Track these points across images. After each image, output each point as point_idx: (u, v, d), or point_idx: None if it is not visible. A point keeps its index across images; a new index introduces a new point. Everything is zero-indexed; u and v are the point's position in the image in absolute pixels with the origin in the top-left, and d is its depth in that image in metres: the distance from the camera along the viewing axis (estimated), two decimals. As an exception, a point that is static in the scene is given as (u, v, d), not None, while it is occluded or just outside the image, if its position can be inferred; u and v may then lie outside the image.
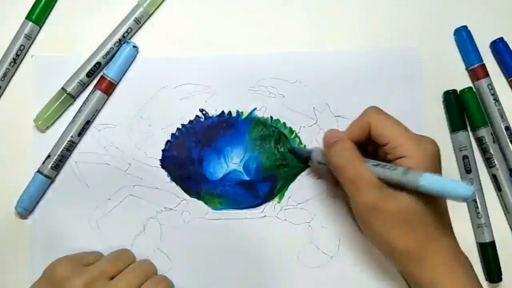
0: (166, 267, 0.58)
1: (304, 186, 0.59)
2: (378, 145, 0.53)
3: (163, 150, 0.59)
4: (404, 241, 0.50)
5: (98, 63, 0.59)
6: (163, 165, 0.59)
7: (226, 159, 0.59)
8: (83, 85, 0.59)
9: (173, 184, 0.59)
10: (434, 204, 0.50)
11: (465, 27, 0.60)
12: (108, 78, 0.58)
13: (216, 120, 0.59)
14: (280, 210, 0.59)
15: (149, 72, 0.60)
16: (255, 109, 0.59)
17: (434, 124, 0.60)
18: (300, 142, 0.59)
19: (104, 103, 0.59)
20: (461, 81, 0.60)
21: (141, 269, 0.54)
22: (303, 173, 0.59)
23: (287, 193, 0.59)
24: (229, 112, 0.60)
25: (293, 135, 0.59)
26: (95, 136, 0.59)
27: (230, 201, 0.59)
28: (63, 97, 0.59)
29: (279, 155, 0.59)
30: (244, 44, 0.61)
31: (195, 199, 0.59)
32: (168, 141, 0.59)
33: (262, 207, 0.59)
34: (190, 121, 0.59)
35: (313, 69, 0.60)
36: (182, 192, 0.59)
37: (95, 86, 0.59)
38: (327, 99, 0.59)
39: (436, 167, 0.51)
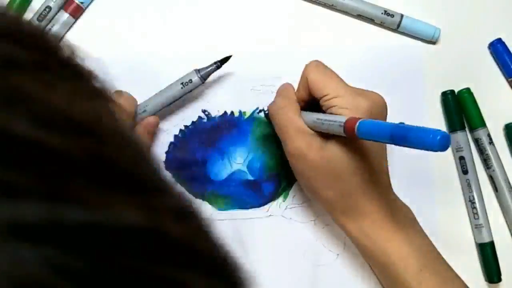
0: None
1: (308, 184, 0.59)
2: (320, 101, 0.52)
3: (166, 152, 0.59)
4: (328, 190, 0.51)
5: (48, 7, 0.59)
6: (167, 167, 0.59)
7: (230, 159, 0.59)
8: None
9: (178, 184, 0.59)
10: (363, 155, 0.50)
11: (499, 40, 0.60)
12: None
13: (219, 120, 0.59)
14: (285, 209, 0.59)
15: (152, 68, 0.59)
16: (257, 108, 0.59)
17: (433, 123, 0.60)
18: (304, 140, 0.59)
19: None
20: (462, 81, 0.60)
21: None
22: (307, 172, 0.59)
23: (291, 192, 0.59)
24: (232, 112, 0.59)
25: (297, 133, 0.59)
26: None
27: (235, 201, 0.59)
28: None
29: (283, 154, 0.59)
30: (246, 43, 0.60)
31: (200, 200, 0.59)
32: (171, 143, 0.59)
33: (267, 206, 0.59)
34: (193, 122, 0.59)
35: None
36: (187, 193, 0.59)
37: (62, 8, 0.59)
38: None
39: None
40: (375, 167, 0.51)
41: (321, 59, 0.58)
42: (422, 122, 0.58)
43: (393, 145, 0.44)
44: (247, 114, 0.59)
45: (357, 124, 0.44)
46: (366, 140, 0.48)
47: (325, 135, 0.50)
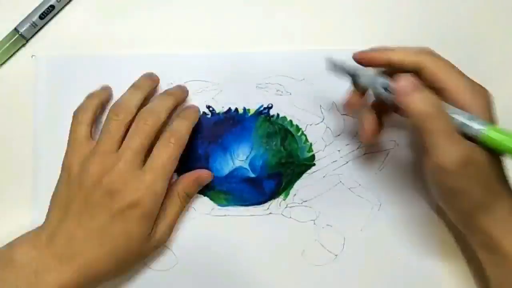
0: (172, 263, 0.57)
1: (309, 184, 0.59)
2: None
3: (169, 146, 0.59)
4: (483, 191, 0.48)
5: (52, 6, 0.59)
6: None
7: (232, 156, 0.59)
8: (35, 27, 0.59)
9: (179, 179, 0.59)
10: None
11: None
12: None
13: (223, 117, 0.60)
14: (286, 207, 0.59)
15: (156, 68, 0.60)
16: (261, 106, 0.60)
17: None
18: (306, 140, 0.59)
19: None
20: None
21: (144, 130, 0.53)
22: (308, 171, 0.59)
23: (292, 191, 0.59)
24: (236, 109, 0.60)
25: (300, 132, 0.60)
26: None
27: (235, 198, 0.59)
28: (15, 37, 0.59)
29: (285, 152, 0.59)
30: (252, 41, 0.61)
31: (201, 195, 0.59)
32: (175, 137, 0.59)
33: (267, 204, 0.59)
34: (197, 117, 0.60)
35: (321, 68, 0.60)
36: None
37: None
38: (334, 97, 0.60)
39: (493, 119, 0.50)
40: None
41: (323, 61, 0.59)
42: None
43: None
44: (252, 111, 0.60)
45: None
46: None
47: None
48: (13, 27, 0.59)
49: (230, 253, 0.58)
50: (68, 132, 0.56)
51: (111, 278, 0.54)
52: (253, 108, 0.60)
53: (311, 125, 0.60)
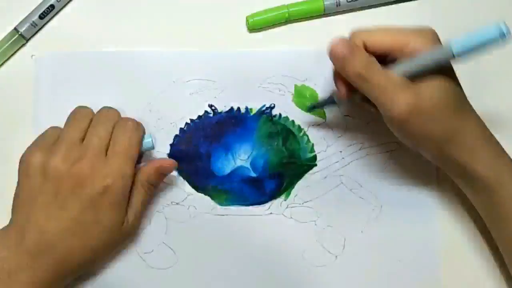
0: (172, 261, 0.58)
1: (310, 184, 0.59)
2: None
3: (171, 145, 0.59)
4: (443, 127, 0.50)
5: (52, 6, 0.59)
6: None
7: (234, 155, 0.59)
8: (35, 27, 0.59)
9: (180, 178, 0.59)
10: (457, 83, 0.51)
11: None
12: None
13: (225, 116, 0.59)
14: (286, 208, 0.59)
15: (158, 67, 0.59)
16: (264, 106, 0.59)
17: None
18: (308, 140, 0.59)
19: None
20: (470, 82, 0.60)
21: (105, 118, 0.55)
22: (310, 172, 0.59)
23: (293, 191, 0.59)
24: (238, 109, 0.59)
25: (302, 133, 0.59)
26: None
27: (236, 197, 0.59)
28: (15, 37, 0.59)
29: (287, 152, 0.59)
30: (253, 41, 0.60)
31: (202, 194, 0.59)
32: (176, 136, 0.59)
33: (268, 204, 0.59)
34: (199, 116, 0.59)
35: (323, 68, 0.59)
36: (189, 187, 0.59)
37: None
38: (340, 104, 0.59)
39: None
40: (461, 89, 0.52)
41: (326, 61, 0.59)
42: None
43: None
44: (254, 111, 0.59)
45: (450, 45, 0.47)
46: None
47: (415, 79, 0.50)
48: (13, 27, 0.59)
49: (230, 252, 0.58)
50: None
51: (86, 270, 0.55)
52: (255, 107, 0.59)
53: (313, 125, 0.59)
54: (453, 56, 0.48)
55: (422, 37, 0.50)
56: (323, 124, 0.60)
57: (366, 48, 0.51)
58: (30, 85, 0.58)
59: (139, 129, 0.55)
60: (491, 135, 0.52)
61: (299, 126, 0.59)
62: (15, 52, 0.59)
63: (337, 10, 0.60)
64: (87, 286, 0.57)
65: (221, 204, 0.59)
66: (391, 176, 0.59)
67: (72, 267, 0.52)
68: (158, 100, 0.59)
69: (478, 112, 0.58)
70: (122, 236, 0.55)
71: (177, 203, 0.59)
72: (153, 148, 0.56)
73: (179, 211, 0.58)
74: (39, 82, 0.59)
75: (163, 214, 0.58)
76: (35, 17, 0.59)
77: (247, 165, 0.59)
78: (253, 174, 0.59)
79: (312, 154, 0.59)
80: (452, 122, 0.50)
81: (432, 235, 0.59)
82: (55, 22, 0.60)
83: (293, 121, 0.59)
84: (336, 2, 0.60)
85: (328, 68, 0.59)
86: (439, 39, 0.51)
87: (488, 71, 0.61)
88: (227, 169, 0.59)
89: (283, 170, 0.59)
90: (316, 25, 0.61)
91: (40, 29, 0.60)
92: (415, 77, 0.49)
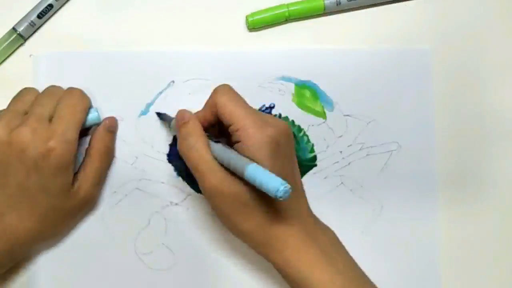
0: (171, 262, 0.58)
1: (310, 185, 0.59)
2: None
3: (170, 145, 0.59)
4: (246, 223, 0.50)
5: (50, 5, 0.59)
6: (170, 160, 0.59)
7: (234, 155, 0.59)
8: (33, 26, 0.59)
9: (179, 179, 0.59)
10: None
11: None
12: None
13: (225, 115, 0.59)
14: (286, 208, 0.59)
15: (157, 66, 0.59)
16: (263, 106, 0.59)
17: (445, 124, 0.60)
18: (309, 140, 0.59)
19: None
20: (471, 82, 0.60)
21: (49, 93, 0.55)
22: (310, 172, 0.59)
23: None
24: (238, 108, 0.59)
25: (302, 133, 0.59)
26: (102, 128, 0.58)
27: (236, 198, 0.59)
28: (13, 36, 0.58)
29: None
30: (253, 40, 0.60)
31: (201, 195, 0.58)
32: (175, 136, 0.59)
33: (268, 204, 0.59)
34: (199, 116, 0.59)
35: (323, 68, 0.59)
36: (188, 187, 0.59)
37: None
38: (337, 97, 0.59)
39: (274, 154, 0.50)
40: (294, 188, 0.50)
41: (330, 59, 0.58)
42: (432, 122, 0.60)
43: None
44: (253, 111, 0.59)
45: (245, 172, 0.47)
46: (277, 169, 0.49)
47: None
48: (11, 26, 0.59)
49: (229, 253, 0.58)
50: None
51: (39, 241, 0.55)
52: (255, 107, 0.59)
53: (313, 125, 0.59)
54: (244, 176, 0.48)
55: (262, 132, 0.50)
56: (323, 124, 0.59)
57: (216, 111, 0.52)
58: (29, 84, 0.58)
59: (84, 98, 0.56)
60: (311, 235, 0.52)
61: (299, 126, 0.59)
62: (13, 51, 0.59)
63: (338, 9, 0.60)
64: (86, 286, 0.57)
65: (220, 204, 0.58)
66: (391, 176, 0.59)
67: (24, 238, 0.53)
68: (157, 100, 0.59)
69: (478, 112, 0.58)
70: (74, 203, 0.55)
71: (176, 204, 0.58)
72: (99, 120, 0.57)
73: (178, 212, 0.58)
74: (37, 81, 0.58)
75: (162, 215, 0.58)
76: (34, 17, 0.58)
77: (247, 165, 0.59)
78: (253, 174, 0.59)
79: (312, 154, 0.59)
80: (262, 223, 0.51)
81: (432, 235, 0.59)
82: (53, 22, 0.60)
83: (293, 121, 0.59)
84: (337, 1, 0.59)
85: (328, 68, 0.59)
86: (282, 138, 0.50)
87: (488, 71, 0.60)
88: (227, 169, 0.59)
89: (283, 170, 0.59)
90: (317, 24, 0.60)
91: (38, 28, 0.59)
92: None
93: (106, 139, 0.57)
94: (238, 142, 0.50)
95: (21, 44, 0.59)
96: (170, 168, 0.59)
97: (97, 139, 0.57)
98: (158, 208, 0.58)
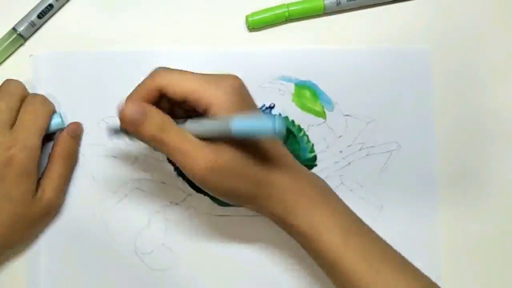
0: (171, 262, 0.58)
1: (311, 184, 0.59)
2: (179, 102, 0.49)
3: (170, 145, 0.59)
4: (248, 186, 0.48)
5: (50, 5, 0.59)
6: (170, 160, 0.59)
7: (234, 155, 0.59)
8: (33, 26, 0.59)
9: (180, 179, 0.59)
10: (261, 144, 0.49)
11: None
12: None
13: (225, 116, 0.59)
14: (286, 208, 0.59)
15: (159, 65, 0.59)
16: (263, 106, 0.59)
17: (445, 124, 0.60)
18: (308, 140, 0.59)
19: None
20: (471, 82, 0.60)
21: (6, 93, 0.54)
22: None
23: (293, 191, 0.59)
24: (238, 108, 0.59)
25: (301, 133, 0.59)
26: (102, 128, 0.58)
27: (236, 198, 0.59)
28: (13, 37, 0.58)
29: (287, 152, 0.59)
30: (253, 40, 0.60)
31: (201, 195, 0.58)
32: (175, 136, 0.59)
33: (268, 204, 0.59)
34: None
35: (323, 68, 0.59)
36: (189, 187, 0.59)
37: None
38: (337, 97, 0.59)
39: (241, 104, 0.48)
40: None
41: (331, 59, 0.58)
42: (432, 121, 0.60)
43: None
44: (253, 111, 0.59)
45: (232, 127, 0.44)
46: None
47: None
48: (11, 27, 0.59)
49: (230, 253, 0.58)
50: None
51: (4, 249, 0.55)
52: (255, 107, 0.59)
53: (313, 125, 0.59)
54: (230, 134, 0.45)
55: (219, 89, 0.47)
56: (323, 124, 0.59)
57: (165, 94, 0.48)
58: (29, 85, 0.58)
59: (47, 103, 0.56)
60: (308, 186, 0.51)
61: (299, 126, 0.59)
62: (13, 51, 0.59)
63: (338, 9, 0.60)
64: (86, 286, 0.57)
65: (220, 204, 0.58)
66: (391, 176, 0.59)
67: None
68: (157, 100, 0.59)
69: (478, 112, 0.58)
70: (38, 210, 0.55)
71: (176, 204, 0.58)
72: (63, 126, 0.57)
73: (178, 212, 0.58)
74: (37, 81, 0.58)
75: (163, 215, 0.58)
76: (34, 17, 0.58)
77: (247, 165, 0.59)
78: (253, 174, 0.59)
79: (312, 154, 0.59)
80: (259, 177, 0.49)
81: (432, 235, 0.59)
82: (53, 22, 0.60)
83: (293, 121, 0.59)
84: (336, 1, 0.59)
85: (328, 68, 0.59)
86: (240, 88, 0.48)
87: (488, 71, 0.60)
88: (227, 169, 0.59)
89: (283, 170, 0.59)
90: (316, 24, 0.60)
91: (38, 28, 0.59)
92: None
93: (69, 144, 0.57)
94: (205, 110, 0.47)
95: (21, 44, 0.59)
96: (170, 168, 0.59)
97: (60, 144, 0.56)
98: (158, 208, 0.58)
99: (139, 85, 0.49)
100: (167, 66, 0.49)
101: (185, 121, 0.48)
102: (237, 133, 0.44)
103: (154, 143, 0.47)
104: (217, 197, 0.50)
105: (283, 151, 0.51)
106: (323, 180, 0.53)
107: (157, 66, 0.58)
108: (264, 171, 0.49)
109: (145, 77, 0.49)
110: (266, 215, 0.52)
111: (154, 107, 0.47)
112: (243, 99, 0.48)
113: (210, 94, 0.47)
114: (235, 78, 0.48)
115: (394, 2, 0.61)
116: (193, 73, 0.48)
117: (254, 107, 0.50)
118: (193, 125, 0.47)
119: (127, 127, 0.47)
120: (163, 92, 0.48)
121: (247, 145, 0.48)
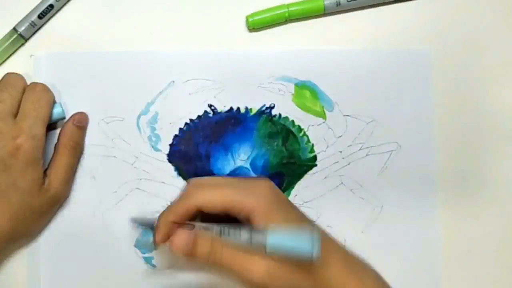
0: (171, 262, 0.58)
1: (311, 184, 0.59)
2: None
3: (170, 145, 0.59)
4: (303, 283, 0.49)
5: (51, 5, 0.59)
6: (170, 160, 0.59)
7: (234, 155, 0.59)
8: (34, 26, 0.59)
9: (180, 178, 0.59)
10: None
11: None
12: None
13: (225, 116, 0.59)
14: (286, 208, 0.59)
15: (157, 66, 0.59)
16: (264, 106, 0.59)
17: (445, 124, 0.60)
18: (308, 140, 0.59)
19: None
20: (471, 82, 0.60)
21: (7, 84, 0.55)
22: (310, 172, 0.59)
23: (293, 191, 0.59)
24: (238, 109, 0.59)
25: (301, 133, 0.59)
26: (103, 128, 0.58)
27: (236, 198, 0.59)
28: (14, 37, 0.58)
29: (287, 152, 0.59)
30: (253, 41, 0.60)
31: (202, 195, 0.59)
32: (175, 136, 0.59)
33: (268, 204, 0.59)
34: (199, 116, 0.59)
35: (323, 68, 0.59)
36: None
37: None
38: (337, 97, 0.59)
39: (281, 209, 0.50)
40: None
41: (330, 59, 0.58)
42: (431, 122, 0.59)
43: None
44: (253, 111, 0.59)
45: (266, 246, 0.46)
46: None
47: None
48: (12, 27, 0.59)
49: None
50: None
51: (12, 241, 0.55)
52: (255, 107, 0.59)
53: (313, 125, 0.59)
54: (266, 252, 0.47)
55: (258, 196, 0.49)
56: (323, 124, 0.59)
57: (202, 210, 0.50)
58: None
59: (48, 92, 0.56)
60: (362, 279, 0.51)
61: (299, 126, 0.59)
62: (14, 51, 0.59)
63: (337, 9, 0.60)
64: (86, 286, 0.57)
65: (220, 204, 0.59)
66: (391, 176, 0.59)
67: None
68: (157, 100, 0.59)
69: (477, 112, 0.58)
70: (45, 200, 0.55)
71: (176, 204, 0.58)
72: (64, 116, 0.57)
73: (178, 212, 0.58)
74: (38, 82, 0.58)
75: (163, 215, 0.58)
76: (34, 17, 0.58)
77: (247, 165, 0.59)
78: (253, 175, 0.59)
79: (312, 154, 0.59)
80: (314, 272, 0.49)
81: (432, 235, 0.59)
82: (54, 22, 0.60)
83: (293, 121, 0.59)
84: (336, 1, 0.59)
85: (328, 68, 0.59)
86: (277, 192, 0.51)
87: (488, 71, 0.60)
88: (227, 169, 0.59)
89: (283, 170, 0.59)
90: (316, 24, 0.60)
91: (39, 28, 0.59)
92: None
93: (74, 134, 0.57)
94: (242, 220, 0.50)
95: (22, 45, 0.59)
96: (170, 168, 0.59)
97: (66, 134, 0.57)
98: (159, 208, 0.58)
99: (175, 205, 0.52)
100: (198, 180, 0.53)
101: (224, 228, 0.49)
102: (272, 251, 0.46)
103: (207, 268, 0.51)
104: None
105: (334, 245, 0.52)
106: (374, 270, 0.53)
107: (158, 66, 0.59)
108: (322, 269, 0.49)
109: (178, 195, 0.53)
110: None
111: (198, 226, 0.50)
112: (282, 202, 0.51)
113: (249, 203, 0.49)
114: (268, 181, 0.51)
115: (394, 3, 0.61)
116: (225, 180, 0.52)
117: (292, 209, 0.52)
118: (233, 238, 0.49)
119: (178, 255, 0.50)
120: (201, 209, 0.50)
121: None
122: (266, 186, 0.51)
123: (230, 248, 0.49)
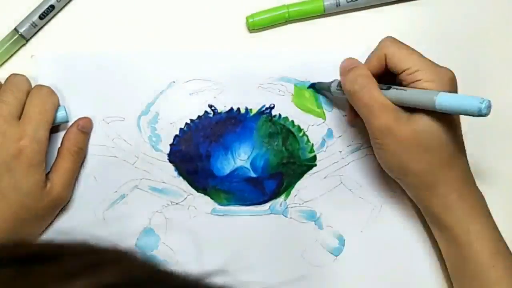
0: (171, 261, 0.58)
1: (310, 184, 0.59)
2: (396, 75, 0.53)
3: (171, 145, 0.59)
4: (417, 164, 0.51)
5: (52, 6, 0.59)
6: (171, 160, 0.59)
7: (234, 155, 0.59)
8: (35, 27, 0.59)
9: (180, 178, 0.59)
10: (449, 128, 0.51)
11: None
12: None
13: (225, 116, 0.59)
14: (286, 208, 0.59)
15: (157, 66, 0.59)
16: (263, 106, 0.59)
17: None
18: (308, 140, 0.59)
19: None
20: (470, 82, 0.60)
21: (12, 85, 0.54)
22: (310, 172, 0.59)
23: (293, 191, 0.59)
24: (238, 109, 0.59)
25: (301, 133, 0.59)
26: (103, 128, 0.59)
27: (236, 197, 0.59)
28: (15, 37, 0.59)
29: (287, 152, 0.59)
30: (253, 41, 0.60)
31: (202, 194, 0.59)
32: (176, 136, 0.59)
33: (268, 204, 0.59)
34: (199, 117, 0.59)
35: (323, 68, 0.59)
36: (189, 186, 0.59)
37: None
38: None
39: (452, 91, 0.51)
40: (459, 139, 0.53)
41: (330, 60, 0.58)
42: None
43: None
44: (253, 111, 0.59)
45: (436, 100, 0.48)
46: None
47: (409, 109, 0.51)
48: (13, 27, 0.59)
49: (230, 253, 0.58)
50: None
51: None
52: (255, 108, 0.59)
53: (312, 125, 0.59)
54: (435, 108, 0.48)
55: (437, 74, 0.51)
56: (323, 124, 0.59)
57: (385, 60, 0.53)
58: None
59: (53, 96, 0.56)
60: (472, 186, 0.53)
61: (299, 126, 0.59)
62: (15, 52, 0.59)
63: (337, 10, 0.60)
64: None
65: (221, 204, 0.59)
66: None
67: None
68: (158, 100, 0.59)
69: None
70: (46, 203, 0.55)
71: (177, 203, 0.59)
72: (67, 120, 0.57)
73: (179, 211, 0.58)
74: (39, 82, 0.58)
75: (163, 214, 0.58)
76: (35, 18, 0.59)
77: (247, 165, 0.59)
78: (253, 174, 0.59)
79: (312, 154, 0.59)
80: (431, 167, 0.51)
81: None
82: (55, 23, 0.60)
83: (293, 121, 0.59)
84: (336, 2, 0.60)
85: (328, 68, 0.59)
86: (455, 82, 0.52)
87: (488, 71, 0.60)
88: (227, 169, 0.59)
89: (283, 170, 0.59)
90: (316, 25, 0.61)
91: (40, 29, 0.60)
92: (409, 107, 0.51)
93: (78, 140, 0.57)
94: (413, 82, 0.51)
95: (23, 45, 0.59)
96: (171, 168, 0.59)
97: (70, 139, 0.57)
98: (159, 208, 0.58)
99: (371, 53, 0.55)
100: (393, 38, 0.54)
101: (389, 87, 0.52)
102: (442, 106, 0.47)
103: (349, 96, 0.53)
104: (380, 159, 0.54)
105: (461, 140, 0.53)
106: (475, 184, 0.54)
107: (158, 66, 0.59)
108: (439, 162, 0.51)
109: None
110: (423, 210, 0.55)
111: (364, 67, 0.54)
112: (455, 89, 0.52)
113: (427, 72, 0.51)
114: (452, 72, 0.52)
115: (394, 3, 0.61)
116: (416, 51, 0.53)
117: None
118: (397, 91, 0.51)
119: (340, 72, 0.54)
120: (386, 60, 0.53)
121: (439, 125, 0.50)
122: (450, 73, 0.52)
123: (377, 88, 0.51)
